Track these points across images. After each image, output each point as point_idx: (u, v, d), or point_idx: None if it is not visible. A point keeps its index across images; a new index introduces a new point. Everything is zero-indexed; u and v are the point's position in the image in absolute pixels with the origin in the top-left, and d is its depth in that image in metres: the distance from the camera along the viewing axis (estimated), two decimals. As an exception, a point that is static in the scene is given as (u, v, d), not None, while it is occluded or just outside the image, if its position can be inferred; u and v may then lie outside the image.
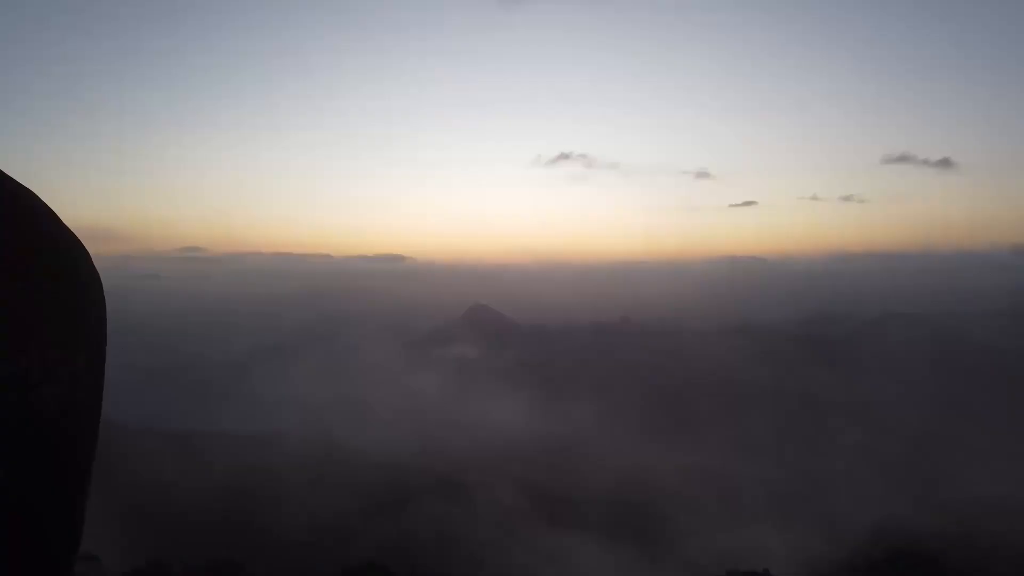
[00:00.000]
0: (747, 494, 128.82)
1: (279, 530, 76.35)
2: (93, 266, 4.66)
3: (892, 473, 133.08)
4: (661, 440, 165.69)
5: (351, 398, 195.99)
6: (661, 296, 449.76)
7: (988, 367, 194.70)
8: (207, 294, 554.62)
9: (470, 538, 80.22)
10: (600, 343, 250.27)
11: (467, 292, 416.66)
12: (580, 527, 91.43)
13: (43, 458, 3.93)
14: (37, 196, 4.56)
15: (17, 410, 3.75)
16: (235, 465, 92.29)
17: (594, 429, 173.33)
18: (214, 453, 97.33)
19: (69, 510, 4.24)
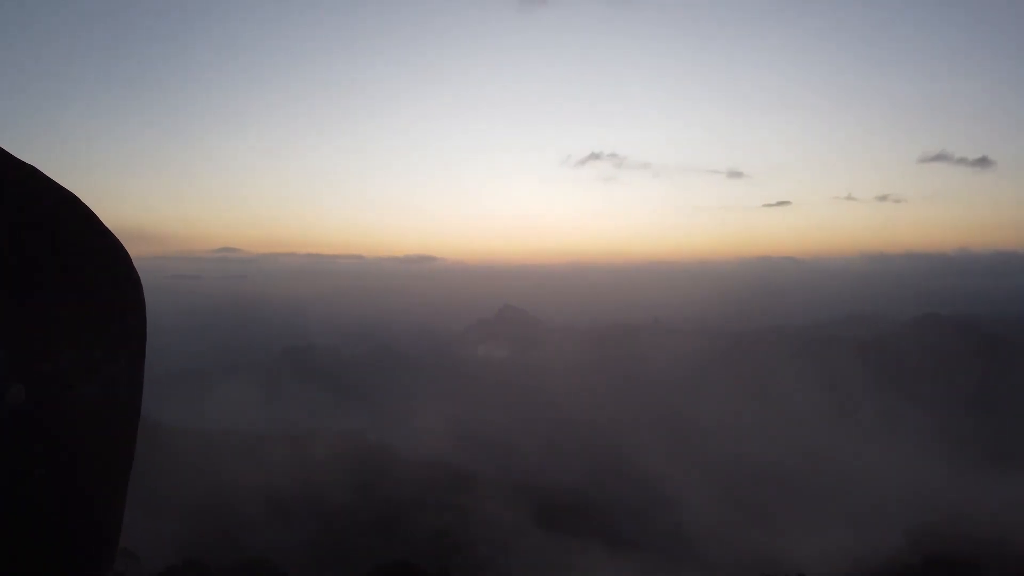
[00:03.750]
0: (781, 497, 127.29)
1: (312, 529, 77.01)
2: (133, 267, 4.74)
3: (929, 477, 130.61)
4: (694, 442, 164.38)
5: (384, 398, 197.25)
6: (693, 297, 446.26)
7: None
8: (243, 294, 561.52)
9: (502, 539, 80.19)
10: (631, 344, 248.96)
11: (497, 293, 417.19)
12: (609, 529, 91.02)
13: (83, 456, 4.00)
14: (79, 199, 4.65)
15: (58, 408, 3.82)
16: (269, 464, 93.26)
17: (626, 431, 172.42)
18: (249, 452, 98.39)
19: (108, 508, 4.30)
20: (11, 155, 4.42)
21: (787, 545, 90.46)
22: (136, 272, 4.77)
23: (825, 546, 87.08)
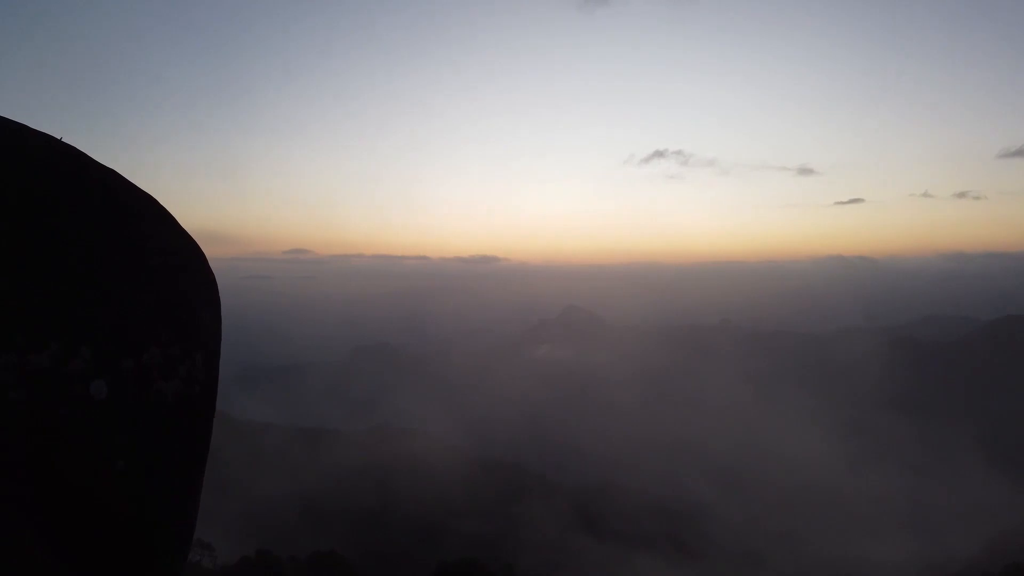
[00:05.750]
0: (858, 505, 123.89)
1: (381, 523, 78.16)
2: (209, 267, 4.89)
3: (1011, 483, 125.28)
4: (761, 446, 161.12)
5: (451, 397, 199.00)
6: (762, 298, 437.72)
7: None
8: (313, 294, 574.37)
9: (564, 539, 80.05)
10: (697, 346, 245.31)
11: (561, 293, 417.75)
12: (669, 535, 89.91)
13: (162, 450, 4.13)
14: (157, 201, 4.82)
15: (139, 403, 3.96)
16: (339, 460, 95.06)
17: (690, 434, 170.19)
18: (320, 448, 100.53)
19: (185, 499, 4.43)
20: (91, 159, 4.61)
21: (858, 554, 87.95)
22: (211, 272, 4.92)
23: (899, 555, 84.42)
